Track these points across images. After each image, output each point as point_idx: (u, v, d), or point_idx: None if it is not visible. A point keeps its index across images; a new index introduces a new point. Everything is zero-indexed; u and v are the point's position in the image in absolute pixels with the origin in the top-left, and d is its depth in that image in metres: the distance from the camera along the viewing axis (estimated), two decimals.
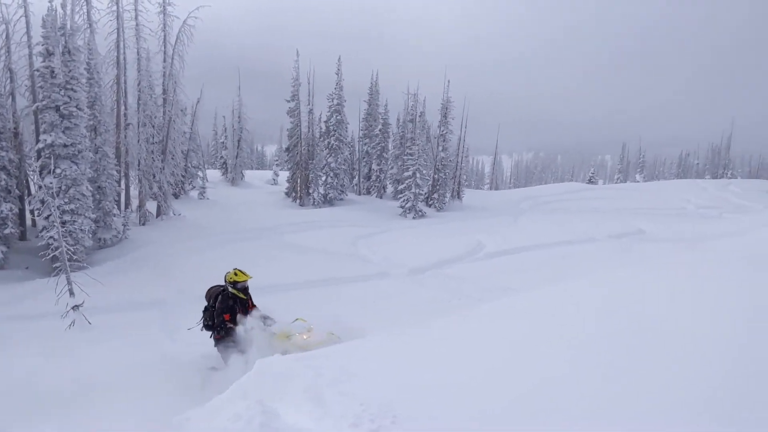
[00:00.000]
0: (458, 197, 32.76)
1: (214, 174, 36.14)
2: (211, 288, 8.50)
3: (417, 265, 15.58)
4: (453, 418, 2.17)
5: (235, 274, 8.05)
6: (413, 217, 25.98)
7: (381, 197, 32.45)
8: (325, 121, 29.89)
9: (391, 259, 16.58)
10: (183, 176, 26.75)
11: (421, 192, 26.94)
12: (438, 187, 29.56)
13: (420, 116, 31.64)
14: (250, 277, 8.13)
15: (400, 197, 26.98)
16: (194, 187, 28.47)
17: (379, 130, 32.94)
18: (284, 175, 33.26)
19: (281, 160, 54.17)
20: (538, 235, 19.18)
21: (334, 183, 28.98)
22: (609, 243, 17.72)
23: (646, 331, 3.01)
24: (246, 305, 8.27)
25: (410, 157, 27.13)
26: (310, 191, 28.90)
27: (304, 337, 7.24)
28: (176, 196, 25.57)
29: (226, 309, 8.02)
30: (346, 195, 30.62)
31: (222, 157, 36.08)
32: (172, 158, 23.45)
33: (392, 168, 32.27)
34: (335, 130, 29.30)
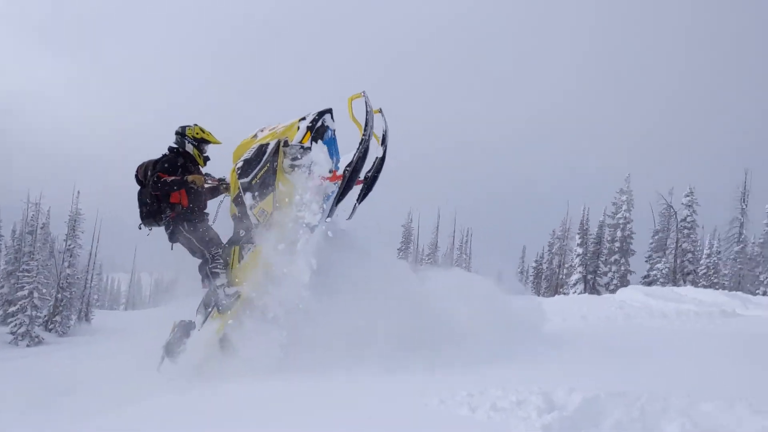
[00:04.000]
0: (87, 319, 30.09)
1: None
2: (144, 161, 5.65)
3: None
4: None
5: (202, 131, 5.55)
6: (27, 345, 22.65)
7: None
8: None
9: None
10: None
11: (39, 315, 23.97)
12: (61, 309, 26.70)
13: (42, 228, 28.67)
14: (220, 143, 5.75)
15: (11, 321, 23.28)
16: None
17: None
18: None
19: None
20: None
21: None
22: None
23: None
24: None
25: (27, 274, 24.22)
26: None
27: (269, 129, 5.41)
28: None
29: (173, 169, 5.28)
30: None
31: None
32: None
33: (2, 287, 27.48)
34: None
